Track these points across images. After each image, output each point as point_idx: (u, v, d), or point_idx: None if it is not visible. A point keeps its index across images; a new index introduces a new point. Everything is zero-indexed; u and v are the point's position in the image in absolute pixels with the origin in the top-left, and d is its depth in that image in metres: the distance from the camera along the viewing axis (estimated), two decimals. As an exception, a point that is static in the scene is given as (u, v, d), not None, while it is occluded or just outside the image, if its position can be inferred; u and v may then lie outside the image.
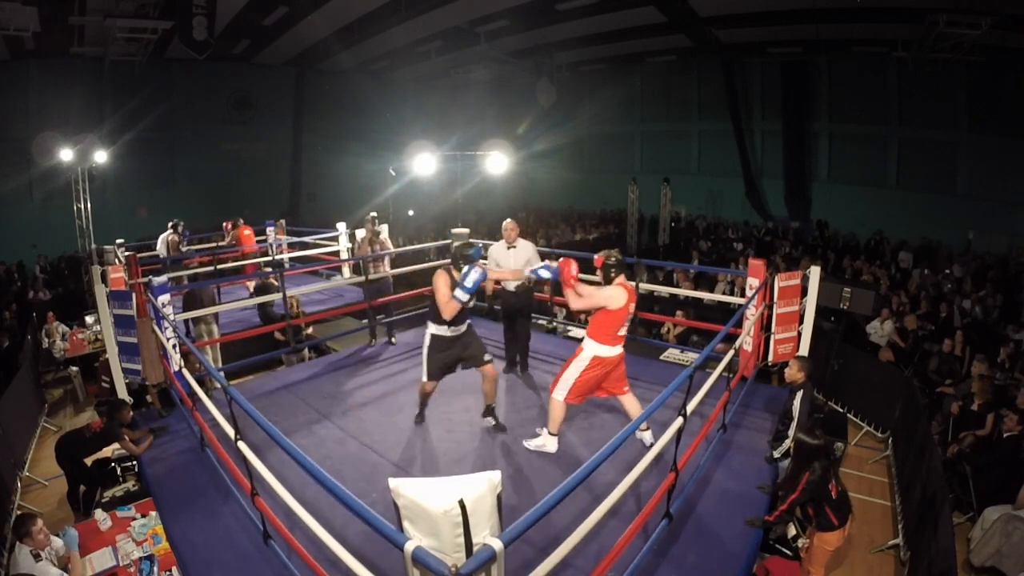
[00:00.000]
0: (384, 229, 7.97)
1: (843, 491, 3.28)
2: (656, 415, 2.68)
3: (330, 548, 2.24)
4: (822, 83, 13.81)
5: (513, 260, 4.97)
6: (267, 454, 3.04)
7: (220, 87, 15.74)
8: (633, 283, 3.74)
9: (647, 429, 3.86)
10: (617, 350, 3.62)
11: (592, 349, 3.59)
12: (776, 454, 3.79)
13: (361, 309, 6.30)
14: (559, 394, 3.69)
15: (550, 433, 3.84)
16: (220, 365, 6.03)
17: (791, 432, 3.73)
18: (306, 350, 6.50)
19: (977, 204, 11.82)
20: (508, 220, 5.17)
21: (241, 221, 9.67)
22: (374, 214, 7.18)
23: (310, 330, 6.96)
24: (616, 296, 3.51)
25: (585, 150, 19.28)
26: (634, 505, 3.20)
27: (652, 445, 3.41)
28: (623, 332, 3.61)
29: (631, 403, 3.82)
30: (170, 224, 9.13)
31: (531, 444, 3.92)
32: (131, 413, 4.41)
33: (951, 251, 11.32)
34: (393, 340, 6.23)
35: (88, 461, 4.41)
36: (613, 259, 3.60)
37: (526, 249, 5.07)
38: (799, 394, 3.85)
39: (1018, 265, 10.11)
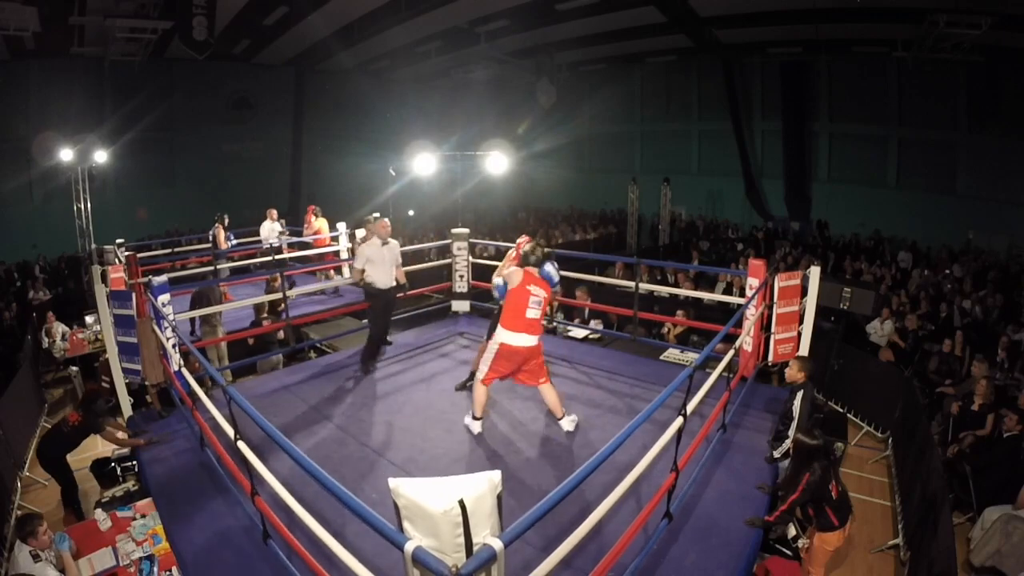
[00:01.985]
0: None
1: (843, 491, 3.28)
2: (656, 415, 2.68)
3: (330, 548, 2.24)
4: (822, 83, 13.81)
5: (388, 255, 5.19)
6: (267, 454, 3.04)
7: (220, 87, 15.76)
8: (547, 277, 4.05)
9: (563, 416, 4.13)
10: (522, 338, 3.88)
11: (499, 336, 3.94)
12: (776, 454, 3.78)
13: (362, 309, 6.28)
14: (479, 375, 4.05)
15: (474, 417, 4.14)
16: (227, 363, 6.08)
17: (791, 432, 3.72)
18: (279, 355, 6.38)
19: (977, 204, 11.83)
20: (384, 217, 5.39)
21: (318, 210, 9.64)
22: (376, 215, 7.18)
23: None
24: (514, 275, 3.89)
25: (585, 150, 19.28)
26: (634, 505, 3.20)
27: (572, 432, 4.09)
28: (531, 315, 3.88)
29: (546, 392, 4.08)
30: (216, 217, 9.29)
31: (465, 419, 4.24)
32: (110, 402, 4.39)
33: (951, 251, 11.32)
34: (389, 341, 6.21)
35: (86, 456, 4.41)
36: (529, 248, 4.04)
37: (395, 247, 5.32)
38: (799, 394, 3.84)
39: (1018, 265, 10.10)
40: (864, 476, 5.27)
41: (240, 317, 7.00)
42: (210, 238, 9.35)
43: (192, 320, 6.22)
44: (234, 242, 9.52)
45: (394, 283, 5.29)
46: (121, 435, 4.26)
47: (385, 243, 5.16)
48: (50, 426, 5.29)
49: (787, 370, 4.10)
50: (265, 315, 6.38)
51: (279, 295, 6.03)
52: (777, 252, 11.59)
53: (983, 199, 11.74)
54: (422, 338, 6.36)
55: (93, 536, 3.31)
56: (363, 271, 5.14)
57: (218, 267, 8.94)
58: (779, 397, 4.54)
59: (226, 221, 9.34)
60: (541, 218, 17.61)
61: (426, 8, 11.90)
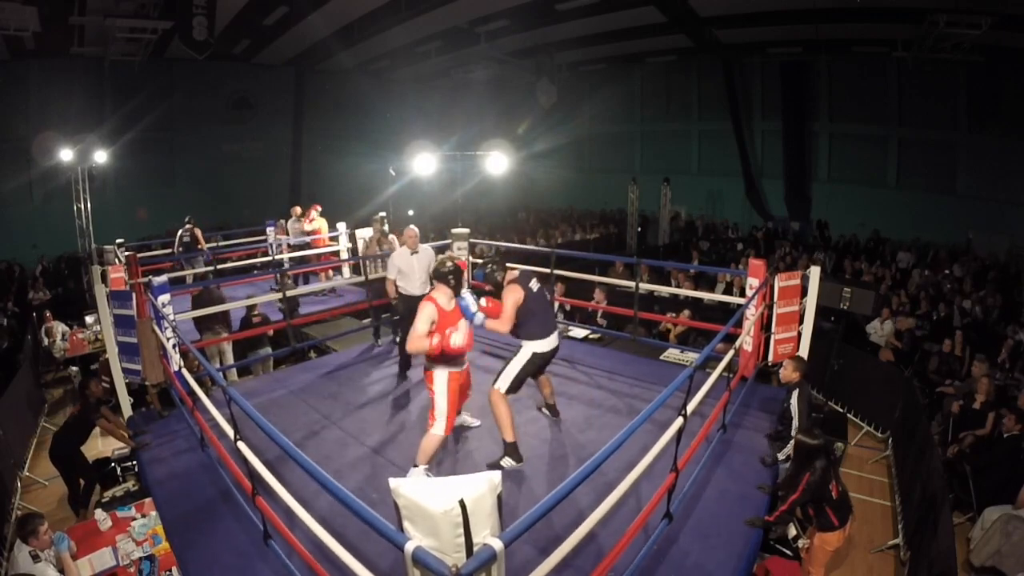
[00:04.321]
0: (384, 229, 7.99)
1: (844, 491, 3.28)
2: (656, 415, 2.68)
3: (330, 548, 2.24)
4: (822, 83, 13.79)
5: (417, 264, 5.15)
6: (267, 454, 3.04)
7: (220, 87, 15.73)
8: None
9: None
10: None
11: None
12: (780, 456, 3.78)
13: (362, 309, 6.28)
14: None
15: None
16: (231, 361, 6.12)
17: (793, 432, 3.73)
18: (268, 352, 6.44)
19: (977, 204, 11.82)
20: (411, 227, 5.33)
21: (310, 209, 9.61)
22: (383, 214, 7.24)
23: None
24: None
25: (585, 150, 19.27)
26: (634, 505, 3.20)
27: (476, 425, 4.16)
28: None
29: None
30: (187, 219, 9.32)
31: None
32: (101, 385, 4.44)
33: (951, 251, 11.31)
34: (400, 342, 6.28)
35: (86, 455, 4.45)
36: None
37: (428, 254, 5.26)
38: (795, 393, 3.86)
39: (1018, 265, 10.10)
40: (864, 476, 5.27)
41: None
42: (184, 239, 9.35)
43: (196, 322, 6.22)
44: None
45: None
46: (112, 426, 4.30)
47: (414, 252, 5.17)
48: (55, 429, 5.37)
49: (782, 371, 4.10)
50: (256, 312, 6.34)
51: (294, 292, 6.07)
52: (777, 252, 11.59)
53: (983, 199, 11.73)
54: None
55: (93, 536, 3.31)
56: (395, 282, 5.18)
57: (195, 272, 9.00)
58: (779, 397, 4.54)
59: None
60: (541, 218, 17.62)
61: (426, 8, 11.88)
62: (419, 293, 5.05)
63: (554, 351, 3.90)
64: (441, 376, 3.45)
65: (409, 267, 5.14)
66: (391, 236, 7.09)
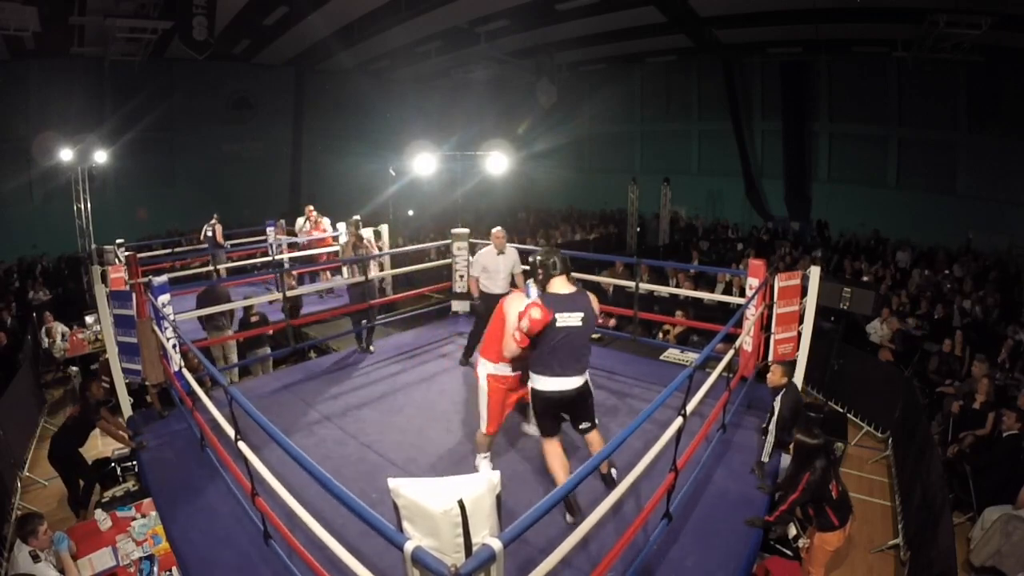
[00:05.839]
0: (384, 229, 7.96)
1: (844, 491, 3.29)
2: (656, 415, 2.67)
3: (330, 548, 2.24)
4: (822, 83, 13.78)
5: (503, 264, 5.34)
6: (267, 454, 3.04)
7: (220, 87, 15.75)
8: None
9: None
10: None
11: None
12: (764, 458, 3.79)
13: (361, 309, 6.27)
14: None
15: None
16: (235, 360, 6.14)
17: (771, 427, 3.78)
18: (267, 352, 6.45)
19: (977, 204, 11.81)
20: (498, 228, 5.48)
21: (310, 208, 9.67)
22: (357, 217, 7.21)
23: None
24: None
25: (585, 150, 19.27)
26: (634, 505, 3.20)
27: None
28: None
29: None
30: (215, 216, 9.55)
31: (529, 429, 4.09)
32: (103, 387, 4.48)
33: (951, 251, 11.31)
34: (371, 348, 6.00)
35: (85, 456, 4.46)
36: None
37: (512, 254, 5.43)
38: (780, 394, 3.88)
39: (1018, 265, 10.10)
40: (864, 476, 5.27)
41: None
42: (207, 233, 9.43)
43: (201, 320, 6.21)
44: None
45: (510, 290, 4.74)
46: (112, 426, 4.31)
47: (501, 252, 5.30)
48: (55, 429, 5.37)
49: (769, 375, 4.09)
50: (253, 312, 6.25)
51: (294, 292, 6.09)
52: (777, 252, 11.59)
53: (983, 199, 11.73)
54: (422, 338, 6.37)
55: (93, 536, 3.31)
56: (478, 280, 5.32)
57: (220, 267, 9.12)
58: (779, 397, 4.54)
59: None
60: (541, 218, 17.61)
61: (426, 8, 11.89)
62: (501, 292, 5.12)
63: (562, 397, 3.14)
64: (483, 374, 3.47)
65: (495, 266, 5.30)
66: (366, 239, 7.01)
